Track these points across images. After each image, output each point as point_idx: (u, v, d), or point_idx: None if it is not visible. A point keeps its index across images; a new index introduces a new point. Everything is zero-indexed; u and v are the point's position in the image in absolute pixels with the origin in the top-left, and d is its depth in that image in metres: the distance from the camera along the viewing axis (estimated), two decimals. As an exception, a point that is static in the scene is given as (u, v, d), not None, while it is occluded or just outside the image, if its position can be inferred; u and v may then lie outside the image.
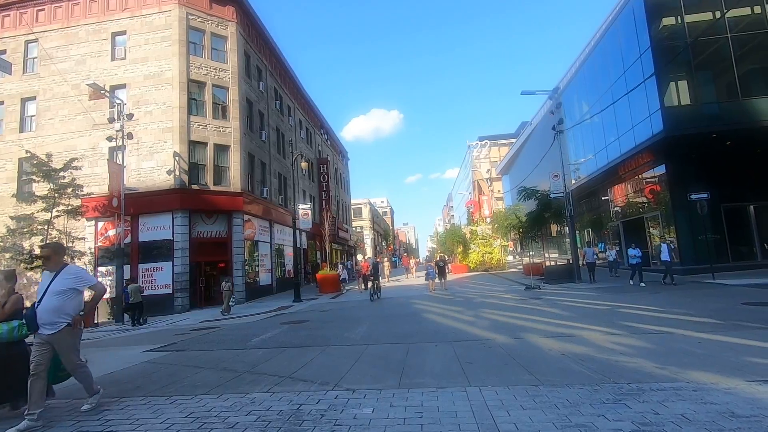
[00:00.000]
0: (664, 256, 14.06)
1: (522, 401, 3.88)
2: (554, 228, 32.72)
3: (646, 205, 20.03)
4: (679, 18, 16.71)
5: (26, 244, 16.69)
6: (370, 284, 17.28)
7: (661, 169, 18.26)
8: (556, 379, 4.53)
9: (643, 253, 15.49)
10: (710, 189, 15.31)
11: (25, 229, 16.29)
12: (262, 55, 25.04)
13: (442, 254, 30.30)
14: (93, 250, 18.27)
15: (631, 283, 14.86)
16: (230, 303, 15.54)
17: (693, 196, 15.16)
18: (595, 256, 19.21)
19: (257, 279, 21.89)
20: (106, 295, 17.86)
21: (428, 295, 16.31)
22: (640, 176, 20.38)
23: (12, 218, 16.78)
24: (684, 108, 16.61)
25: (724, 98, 16.43)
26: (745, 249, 16.88)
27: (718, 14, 16.35)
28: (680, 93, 16.89)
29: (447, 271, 22.08)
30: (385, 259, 24.96)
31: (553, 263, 22.70)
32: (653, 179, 19.22)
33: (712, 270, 14.42)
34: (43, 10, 20.38)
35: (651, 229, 19.52)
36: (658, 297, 11.30)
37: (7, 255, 16.65)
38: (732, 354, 5.18)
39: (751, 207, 17.02)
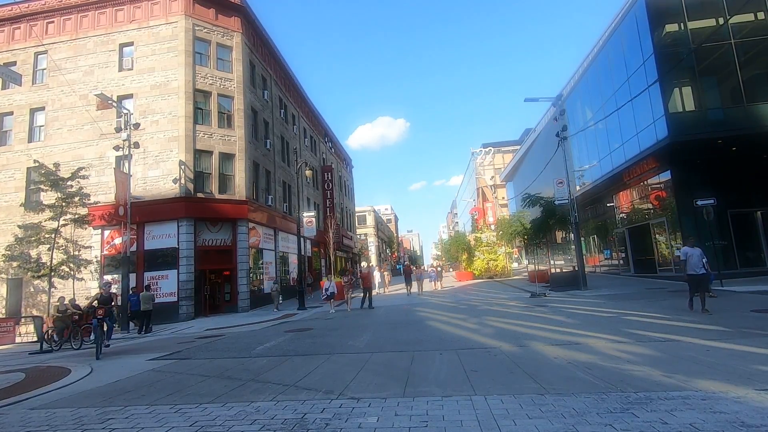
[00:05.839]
0: None
1: (528, 410, 3.85)
2: (559, 235, 32.55)
3: (652, 211, 19.89)
4: (682, 24, 16.72)
5: (33, 253, 16.84)
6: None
7: (666, 175, 18.15)
8: (562, 388, 4.48)
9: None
10: (716, 195, 15.15)
11: (32, 238, 16.44)
12: (266, 64, 25.31)
13: (439, 263, 36.17)
14: (99, 259, 18.39)
15: None
16: (279, 301, 19.06)
17: (699, 202, 15.00)
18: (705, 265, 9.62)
19: (261, 287, 21.91)
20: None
21: (432, 303, 16.28)
22: (645, 182, 20.27)
23: (20, 227, 16.96)
24: (688, 114, 16.55)
25: (729, 104, 16.35)
26: (753, 255, 16.67)
27: (721, 20, 16.34)
28: (684, 99, 16.84)
29: (443, 276, 29.15)
30: (387, 267, 25.05)
31: (558, 270, 22.55)
32: (658, 185, 19.11)
33: (720, 277, 14.24)
34: (52, 22, 20.77)
35: (657, 235, 19.37)
36: (664, 304, 11.18)
37: (15, 264, 16.80)
38: (741, 362, 5.10)
39: (759, 213, 16.85)
